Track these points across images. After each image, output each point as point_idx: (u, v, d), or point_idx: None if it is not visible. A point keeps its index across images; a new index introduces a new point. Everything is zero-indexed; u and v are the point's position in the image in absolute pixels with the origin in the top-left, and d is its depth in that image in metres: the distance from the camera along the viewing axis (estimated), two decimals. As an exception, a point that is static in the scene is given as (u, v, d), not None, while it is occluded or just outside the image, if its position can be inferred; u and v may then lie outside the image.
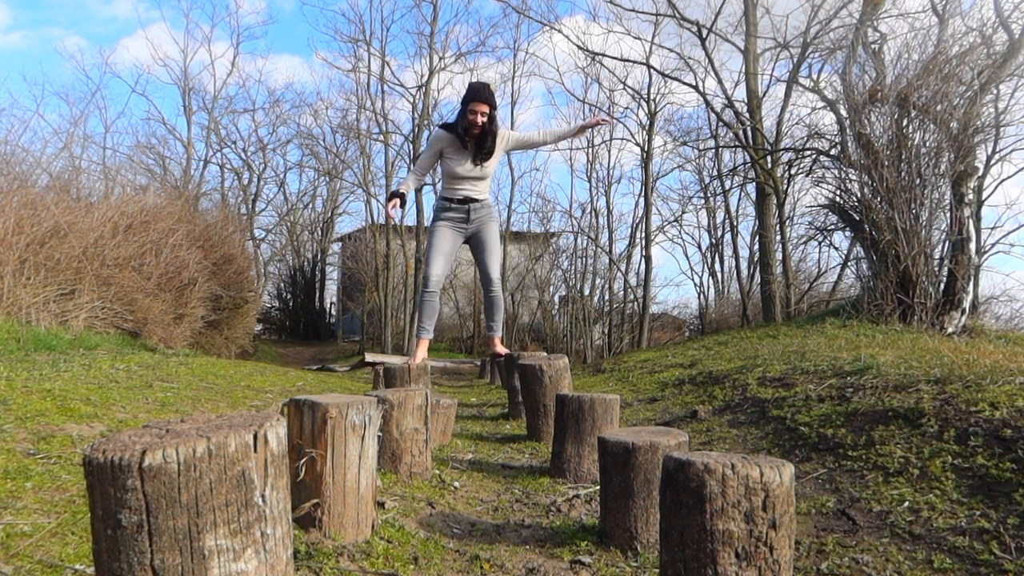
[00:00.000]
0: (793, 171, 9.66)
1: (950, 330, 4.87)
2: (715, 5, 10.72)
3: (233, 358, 8.83)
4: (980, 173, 5.31)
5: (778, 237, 9.17)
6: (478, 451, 2.63)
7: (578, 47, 11.65)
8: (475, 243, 4.14)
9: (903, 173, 5.11)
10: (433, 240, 4.15)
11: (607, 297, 17.25)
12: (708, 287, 17.37)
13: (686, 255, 26.90)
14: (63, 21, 37.36)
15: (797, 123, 10.06)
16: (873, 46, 6.67)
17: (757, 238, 12.49)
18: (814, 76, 8.99)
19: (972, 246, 5.02)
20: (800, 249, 12.65)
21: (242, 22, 44.80)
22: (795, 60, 9.10)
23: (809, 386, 2.87)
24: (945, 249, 5.15)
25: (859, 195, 5.56)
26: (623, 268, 16.51)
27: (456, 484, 2.05)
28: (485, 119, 3.99)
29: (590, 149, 16.86)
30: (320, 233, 24.31)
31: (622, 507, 1.54)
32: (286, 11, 33.89)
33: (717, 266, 17.37)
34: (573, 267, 17.54)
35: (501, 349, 4.21)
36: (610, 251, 16.64)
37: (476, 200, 4.08)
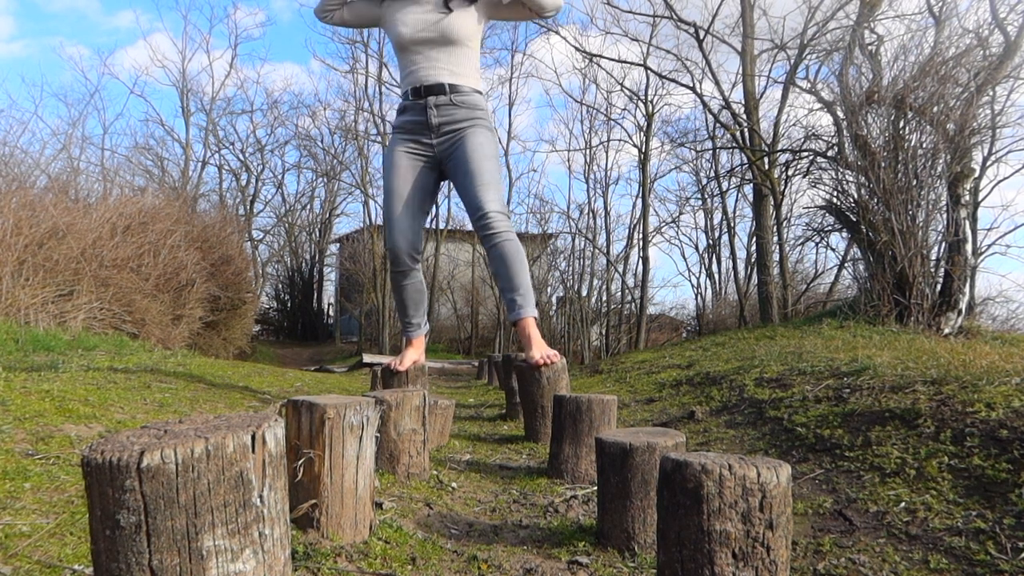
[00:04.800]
0: (790, 172, 9.70)
1: (947, 331, 4.88)
2: (712, 7, 10.77)
3: (231, 359, 8.82)
4: (976, 175, 5.32)
5: (775, 238, 9.18)
6: (476, 452, 2.63)
7: (576, 48, 11.67)
8: (452, 166, 2.51)
9: (900, 174, 5.13)
10: (386, 185, 2.60)
11: (604, 298, 17.28)
12: (705, 288, 17.42)
13: (683, 256, 27.03)
14: (65, 31, 37.52)
15: (794, 124, 10.10)
16: (870, 48, 6.69)
17: (754, 239, 12.52)
18: (811, 77, 9.02)
19: (968, 247, 5.03)
20: (797, 250, 12.68)
21: (240, 23, 44.82)
22: (792, 61, 9.13)
23: (806, 387, 2.87)
24: (942, 250, 5.17)
25: (856, 196, 5.57)
26: (621, 269, 16.53)
27: (454, 485, 2.05)
28: None
29: (588, 151, 16.89)
30: (318, 234, 24.33)
31: (619, 508, 1.54)
32: (284, 19, 34.07)
33: (714, 267, 17.43)
34: (571, 268, 17.57)
35: (536, 353, 2.58)
36: (608, 252, 16.66)
37: (440, 87, 2.43)
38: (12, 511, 1.38)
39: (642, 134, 14.31)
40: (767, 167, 9.07)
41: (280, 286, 24.35)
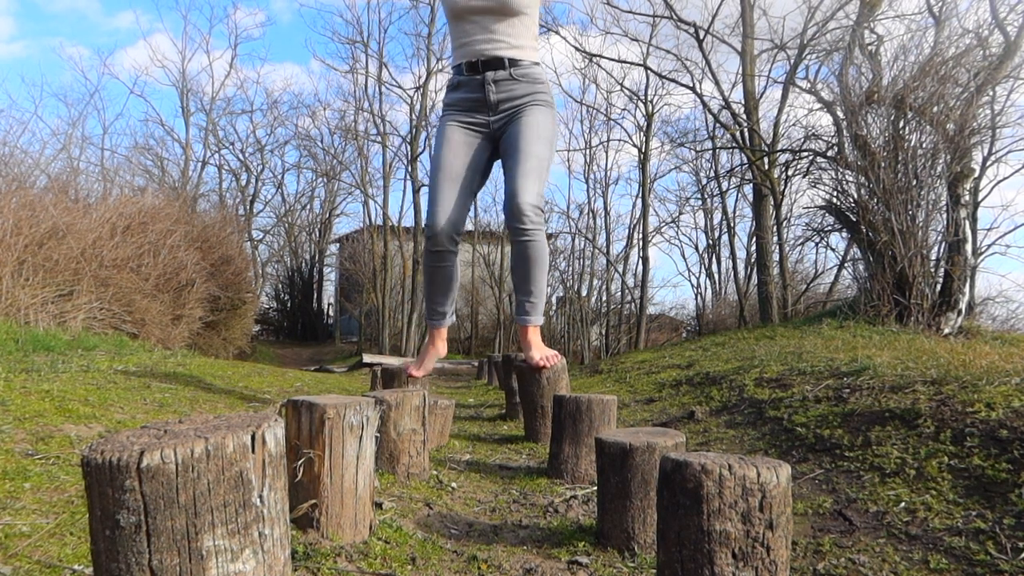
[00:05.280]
0: (790, 172, 9.71)
1: (946, 331, 4.88)
2: (712, 7, 10.77)
3: (231, 359, 8.82)
4: (976, 175, 5.32)
5: (775, 238, 9.18)
6: (476, 452, 2.63)
7: (576, 48, 11.68)
8: (504, 143, 2.37)
9: (900, 174, 5.13)
10: (436, 159, 2.41)
11: (604, 298, 17.29)
12: (705, 288, 17.44)
13: (683, 256, 27.07)
14: (66, 32, 37.65)
15: (794, 124, 10.11)
16: (870, 48, 6.69)
17: (754, 239, 12.52)
18: (811, 77, 9.02)
19: (968, 247, 5.04)
20: (797, 250, 12.68)
21: (240, 23, 44.91)
22: (792, 61, 9.13)
23: (806, 387, 2.87)
24: (941, 250, 5.17)
25: (856, 196, 5.57)
26: (620, 269, 16.53)
27: (454, 485, 2.05)
28: None
29: (588, 150, 16.90)
30: (318, 234, 24.34)
31: (619, 508, 1.54)
32: (284, 20, 34.16)
33: (714, 267, 17.45)
34: (571, 268, 17.57)
35: (536, 354, 2.59)
36: (608, 252, 16.67)
37: (499, 61, 2.29)
38: (12, 511, 1.38)
39: (642, 134, 14.32)
40: (767, 167, 9.07)
41: (280, 286, 24.36)
